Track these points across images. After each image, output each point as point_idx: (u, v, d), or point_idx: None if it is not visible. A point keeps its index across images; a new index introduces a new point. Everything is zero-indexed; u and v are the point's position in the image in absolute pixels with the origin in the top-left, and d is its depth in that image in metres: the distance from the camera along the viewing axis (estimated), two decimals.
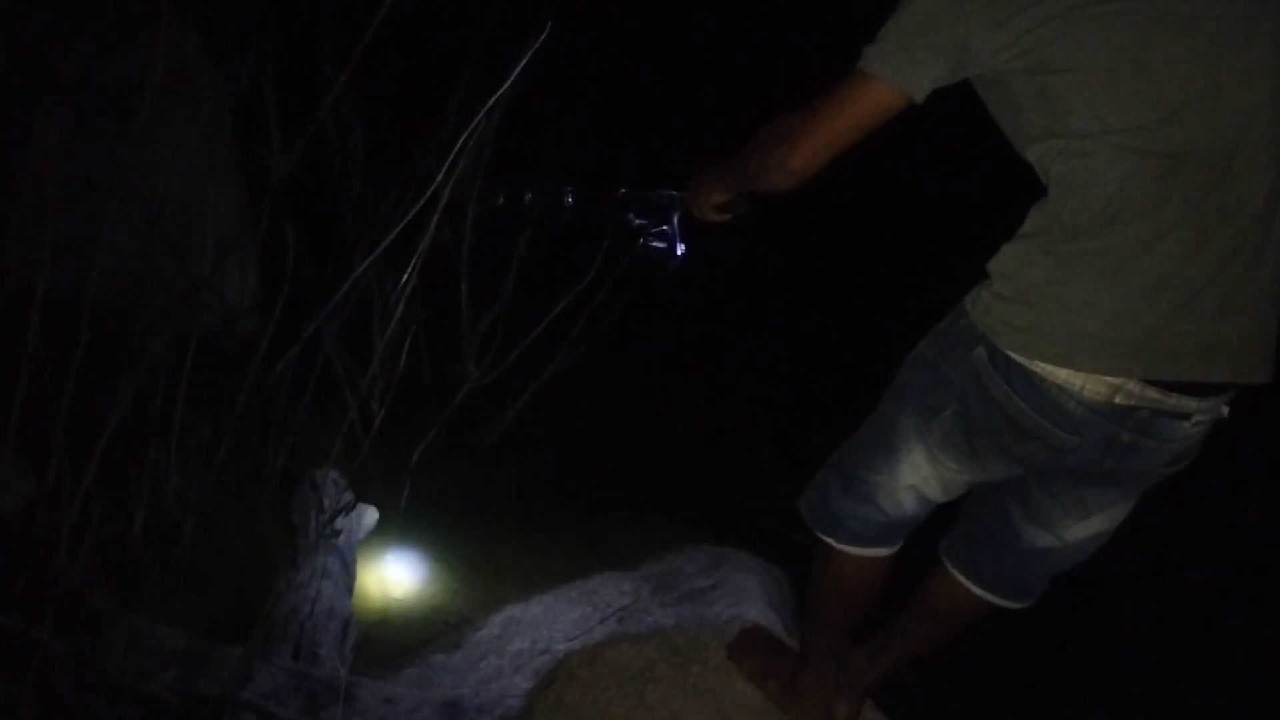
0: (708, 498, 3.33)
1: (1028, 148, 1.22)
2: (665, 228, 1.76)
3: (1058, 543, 1.42)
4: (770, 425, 3.84)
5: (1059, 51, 1.12)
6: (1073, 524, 1.40)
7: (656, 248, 1.77)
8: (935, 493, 1.43)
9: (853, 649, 1.71)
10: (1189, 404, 1.22)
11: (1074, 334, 1.18)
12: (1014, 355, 1.22)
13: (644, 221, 1.78)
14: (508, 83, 1.80)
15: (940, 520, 1.57)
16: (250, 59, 2.10)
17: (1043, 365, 1.21)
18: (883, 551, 1.52)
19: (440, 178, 1.72)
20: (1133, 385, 1.19)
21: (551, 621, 2.42)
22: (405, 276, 2.00)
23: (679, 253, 1.76)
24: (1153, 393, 1.20)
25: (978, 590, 1.53)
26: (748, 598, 2.28)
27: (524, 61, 1.75)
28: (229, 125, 2.37)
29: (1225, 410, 1.27)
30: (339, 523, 2.40)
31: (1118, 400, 1.20)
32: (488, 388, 3.12)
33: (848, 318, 4.07)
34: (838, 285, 4.26)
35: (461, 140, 1.70)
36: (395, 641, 2.46)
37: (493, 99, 1.79)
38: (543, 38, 1.72)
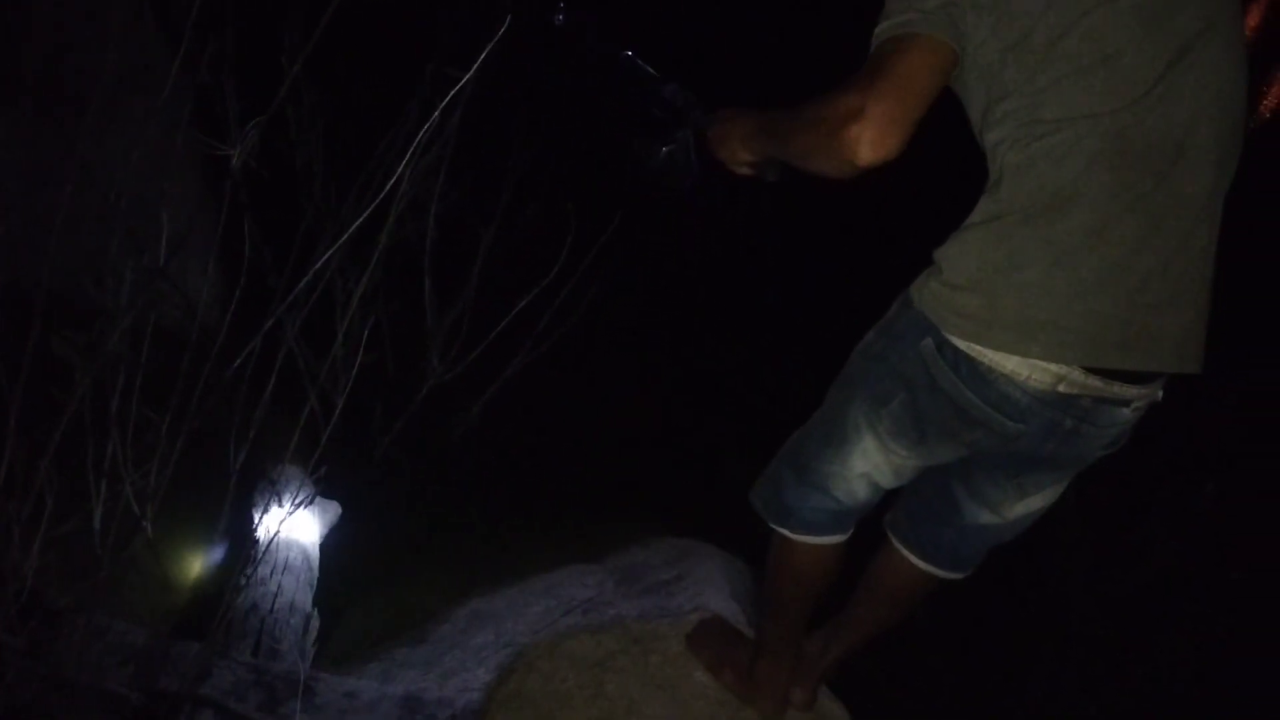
0: (672, 491, 3.33)
1: (989, 131, 1.21)
2: (676, 136, 1.46)
3: (997, 519, 1.46)
4: (733, 420, 3.85)
5: (1043, 26, 1.12)
6: (1012, 503, 1.43)
7: (670, 154, 1.46)
8: (886, 479, 1.44)
9: (807, 637, 1.73)
10: (1129, 391, 1.24)
11: (1025, 321, 1.18)
12: (962, 345, 1.23)
13: (652, 109, 1.46)
14: (468, 74, 1.79)
15: (889, 503, 1.59)
16: (210, 50, 2.08)
17: (990, 355, 1.21)
18: (836, 539, 1.54)
19: (401, 169, 1.72)
20: (1076, 374, 1.21)
21: (515, 615, 2.41)
22: (368, 270, 2.00)
23: (695, 173, 1.47)
24: (1095, 381, 1.21)
25: (919, 563, 1.56)
26: (710, 589, 2.29)
27: (485, 53, 1.74)
28: (188, 117, 2.35)
29: (1159, 394, 1.29)
30: (300, 517, 2.39)
31: (1061, 389, 1.22)
32: (453, 383, 3.11)
33: (808, 311, 4.09)
34: (796, 280, 4.28)
35: (422, 133, 1.69)
36: (357, 636, 2.44)
37: (453, 91, 1.78)
38: (503, 30, 1.71)
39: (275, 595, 2.25)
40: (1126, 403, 1.26)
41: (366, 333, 2.01)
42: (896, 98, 1.09)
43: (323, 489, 2.54)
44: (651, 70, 1.50)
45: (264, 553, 2.17)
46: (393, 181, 1.73)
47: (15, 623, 1.76)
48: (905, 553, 1.58)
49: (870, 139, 1.08)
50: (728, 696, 1.72)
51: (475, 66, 1.73)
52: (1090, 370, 1.21)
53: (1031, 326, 1.18)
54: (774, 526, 1.56)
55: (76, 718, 1.93)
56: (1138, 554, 2.91)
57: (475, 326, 3.12)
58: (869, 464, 1.42)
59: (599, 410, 3.65)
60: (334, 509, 2.67)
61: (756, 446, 3.44)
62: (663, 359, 4.01)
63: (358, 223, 1.80)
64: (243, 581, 2.18)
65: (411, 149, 1.70)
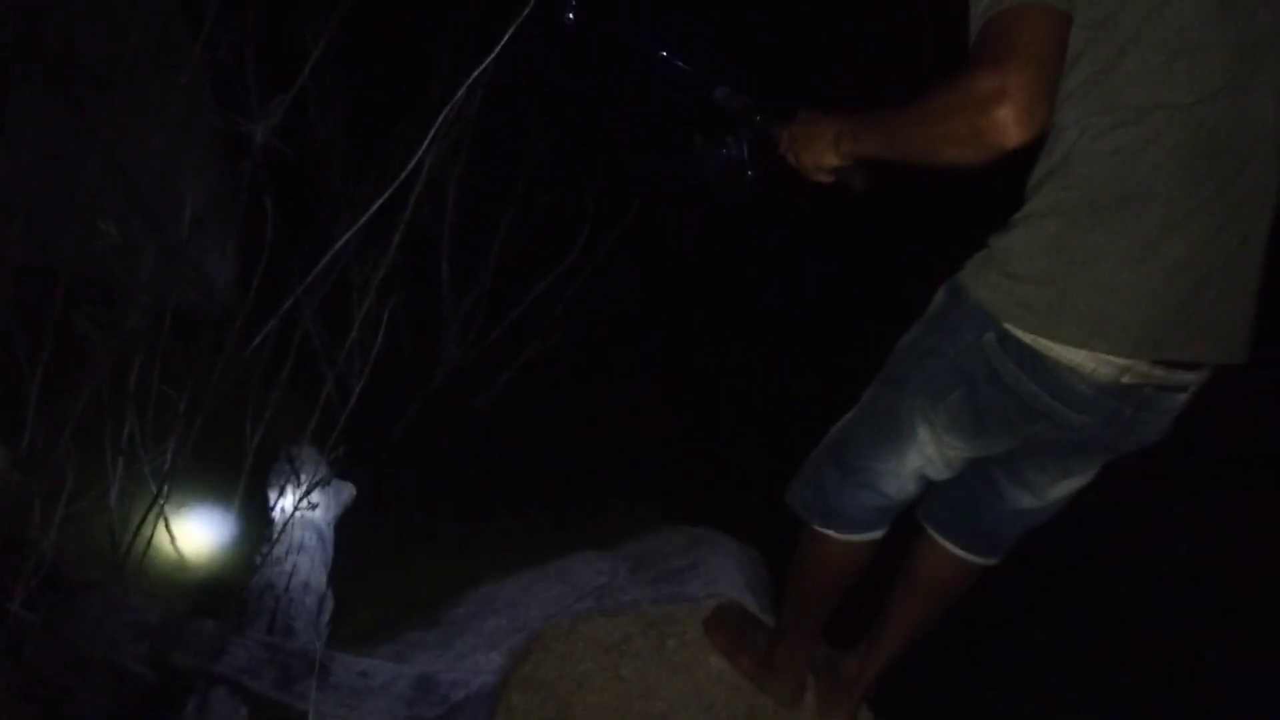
0: (686, 479, 3.33)
1: (1059, 110, 1.16)
2: (730, 141, 1.35)
3: (1038, 503, 1.46)
4: (748, 409, 3.85)
5: (1130, 8, 1.10)
6: (1054, 486, 1.43)
7: (723, 159, 1.35)
8: (938, 471, 1.43)
9: (843, 656, 1.72)
10: (1188, 377, 1.25)
11: (1095, 316, 1.18)
12: (1026, 337, 1.21)
13: (698, 134, 1.35)
14: (490, 58, 1.78)
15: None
16: (231, 29, 2.08)
17: (1056, 348, 1.20)
18: (877, 534, 1.53)
19: (421, 153, 1.71)
20: (1141, 365, 1.21)
21: (528, 599, 2.41)
22: (387, 253, 1.99)
23: (747, 171, 1.35)
24: (1158, 371, 1.22)
25: (958, 551, 1.55)
26: (724, 577, 2.28)
27: (506, 37, 1.72)
28: (209, 96, 2.35)
29: (1207, 376, 1.30)
30: (316, 498, 2.39)
31: (1124, 380, 1.22)
32: (469, 367, 3.12)
33: (822, 304, 4.08)
34: (812, 272, 4.27)
35: (442, 116, 1.69)
36: (371, 618, 2.45)
37: (474, 74, 1.77)
38: (526, 12, 1.69)
39: (290, 574, 2.26)
40: (1184, 388, 1.27)
41: (386, 316, 2.00)
42: (1035, 71, 1.03)
43: (339, 470, 2.54)
44: (694, 71, 1.38)
45: (280, 532, 2.19)
46: (413, 164, 1.72)
47: (33, 598, 1.76)
48: (943, 542, 1.56)
49: (1018, 118, 1.02)
50: (744, 682, 1.72)
51: (497, 49, 1.72)
52: (1155, 361, 1.21)
53: (1101, 321, 1.18)
54: (818, 528, 1.53)
55: (91, 693, 1.94)
56: (1158, 550, 2.90)
57: (491, 312, 3.13)
58: (923, 458, 1.41)
59: (611, 399, 3.65)
60: (349, 490, 2.68)
61: (766, 437, 3.45)
62: (674, 350, 4.00)
63: (375, 206, 1.80)
64: (258, 560, 2.19)
65: (433, 131, 1.69)
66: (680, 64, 1.40)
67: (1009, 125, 1.02)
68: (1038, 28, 1.05)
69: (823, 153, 1.28)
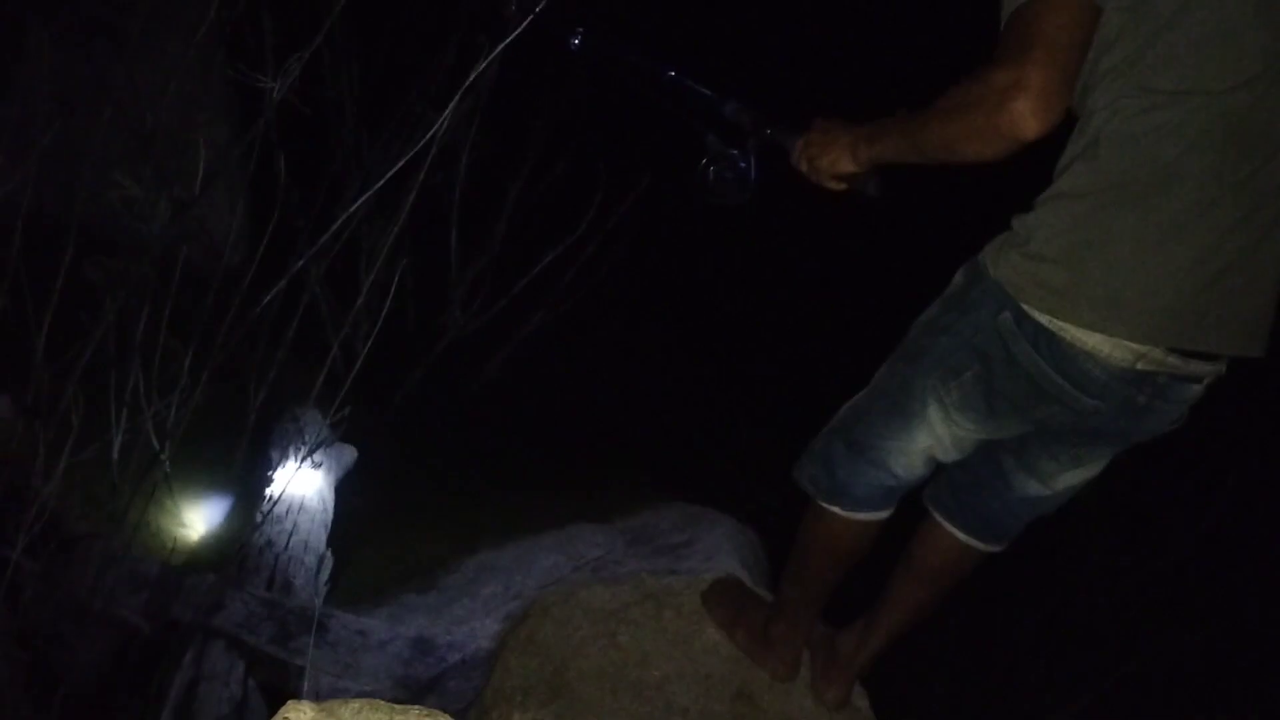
0: (685, 457, 3.34)
1: (1090, 92, 1.16)
2: (735, 153, 1.38)
3: (1045, 491, 1.44)
4: (748, 390, 3.85)
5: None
6: (1063, 475, 1.42)
7: (721, 174, 1.38)
8: (947, 453, 1.42)
9: (840, 634, 1.71)
10: (1204, 368, 1.24)
11: (1113, 300, 1.17)
12: (1043, 319, 1.21)
13: (711, 136, 1.38)
14: (514, 29, 1.76)
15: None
16: None
17: (1072, 330, 1.19)
18: (884, 514, 1.52)
19: (440, 121, 1.69)
20: (1157, 352, 1.20)
21: (525, 568, 2.43)
22: (397, 220, 1.99)
23: (751, 181, 1.38)
24: (1174, 359, 1.21)
25: (962, 536, 1.53)
26: (720, 554, 2.30)
27: (505, 43, 1.68)
28: (223, 51, 2.34)
29: (1223, 368, 1.28)
30: (318, 459, 2.40)
31: (1140, 366, 1.21)
32: (474, 335, 3.12)
33: (826, 289, 4.08)
34: (815, 256, 4.27)
35: (466, 84, 1.66)
36: (367, 579, 2.47)
37: (499, 48, 1.75)
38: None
39: (291, 533, 2.27)
40: (1199, 379, 1.26)
41: (395, 282, 2.00)
42: (1054, 63, 1.04)
43: (341, 433, 2.55)
44: (703, 88, 1.40)
45: (281, 491, 2.19)
46: (431, 134, 1.70)
47: (34, 545, 1.77)
48: (948, 526, 1.54)
49: (1035, 110, 1.03)
50: (740, 655, 1.72)
51: (522, 18, 1.70)
52: (1170, 349, 1.20)
53: (1119, 305, 1.17)
54: (824, 504, 1.52)
55: (88, 643, 1.95)
56: (1154, 546, 2.91)
57: (498, 281, 3.13)
58: (932, 438, 1.39)
59: (613, 374, 3.66)
60: (351, 453, 2.69)
61: (766, 418, 3.45)
62: (678, 329, 4.01)
63: (390, 173, 1.78)
64: (259, 518, 2.19)
65: (454, 101, 1.66)
66: (689, 83, 1.41)
67: (1026, 117, 1.03)
68: (1064, 19, 1.05)
69: (839, 159, 1.28)
